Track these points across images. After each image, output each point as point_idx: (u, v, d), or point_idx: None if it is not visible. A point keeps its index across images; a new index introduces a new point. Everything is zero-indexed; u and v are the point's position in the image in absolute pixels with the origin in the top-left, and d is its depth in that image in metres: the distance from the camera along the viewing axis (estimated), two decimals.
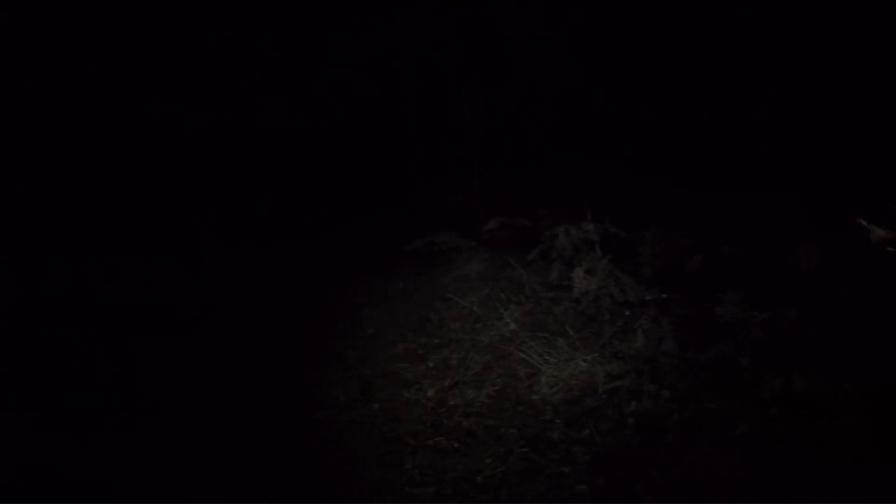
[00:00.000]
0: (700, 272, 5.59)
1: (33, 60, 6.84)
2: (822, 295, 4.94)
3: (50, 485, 3.84)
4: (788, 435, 4.10)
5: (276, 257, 8.15)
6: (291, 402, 5.38)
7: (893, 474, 3.63)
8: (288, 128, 8.86)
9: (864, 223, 2.74)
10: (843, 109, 7.83)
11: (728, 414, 4.37)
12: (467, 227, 8.17)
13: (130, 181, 7.31)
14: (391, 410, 5.21)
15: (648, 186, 8.87)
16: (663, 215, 6.74)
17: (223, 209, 7.76)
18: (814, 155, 7.46)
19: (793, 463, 3.88)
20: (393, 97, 10.27)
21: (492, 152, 10.01)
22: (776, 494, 3.69)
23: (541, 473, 4.28)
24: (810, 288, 5.12)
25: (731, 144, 8.88)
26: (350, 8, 8.64)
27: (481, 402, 5.12)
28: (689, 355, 4.97)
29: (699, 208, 7.87)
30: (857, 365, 4.29)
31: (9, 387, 4.65)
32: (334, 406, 5.36)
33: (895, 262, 4.18)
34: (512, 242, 7.42)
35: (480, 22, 8.68)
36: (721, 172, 8.58)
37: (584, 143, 10.45)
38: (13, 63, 6.61)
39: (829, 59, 8.03)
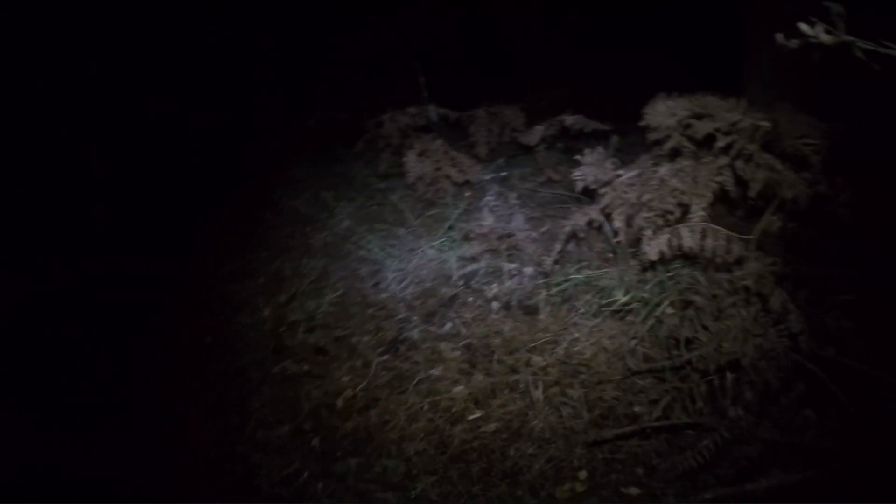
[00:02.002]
0: (539, 144, 5.01)
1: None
2: None
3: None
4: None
5: None
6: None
7: None
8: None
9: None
10: None
11: (601, 281, 3.88)
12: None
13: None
14: (226, 341, 4.41)
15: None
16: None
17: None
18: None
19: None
20: None
21: None
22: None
23: (409, 381, 3.67)
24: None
25: None
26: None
27: (325, 311, 4.37)
28: (543, 229, 4.44)
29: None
30: None
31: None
32: (162, 349, 4.52)
33: None
34: (340, 136, 6.52)
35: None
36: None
37: None
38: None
39: None
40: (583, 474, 3.00)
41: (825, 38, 2.39)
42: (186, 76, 7.35)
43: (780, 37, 3.02)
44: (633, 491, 2.90)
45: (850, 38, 2.41)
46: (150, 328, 4.75)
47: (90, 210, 6.15)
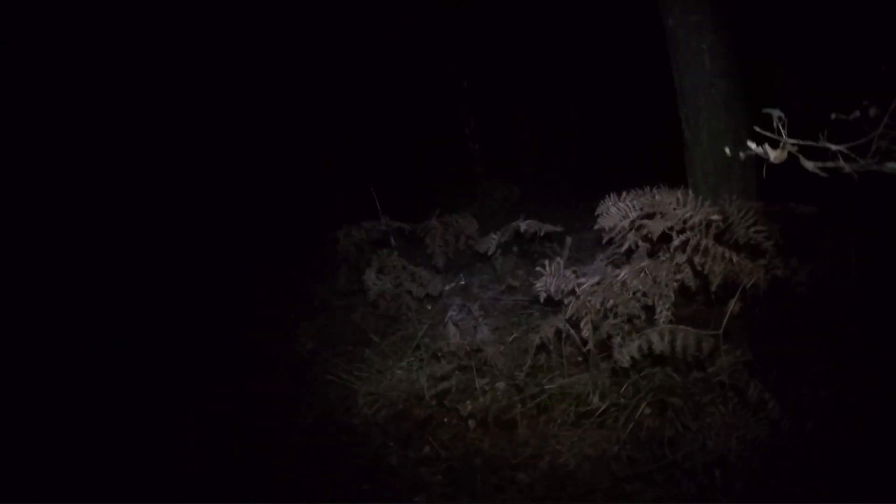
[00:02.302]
0: (495, 251, 5.06)
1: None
2: None
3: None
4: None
5: None
6: None
7: None
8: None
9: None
10: None
11: (575, 388, 3.85)
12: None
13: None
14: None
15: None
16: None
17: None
18: None
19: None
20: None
21: None
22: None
23: None
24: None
25: None
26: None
27: (296, 440, 4.22)
28: (510, 339, 4.42)
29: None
30: None
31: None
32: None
33: None
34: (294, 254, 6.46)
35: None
36: None
37: None
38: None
39: None
40: None
41: (774, 154, 2.49)
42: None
43: (727, 151, 3.16)
44: None
45: (793, 151, 2.51)
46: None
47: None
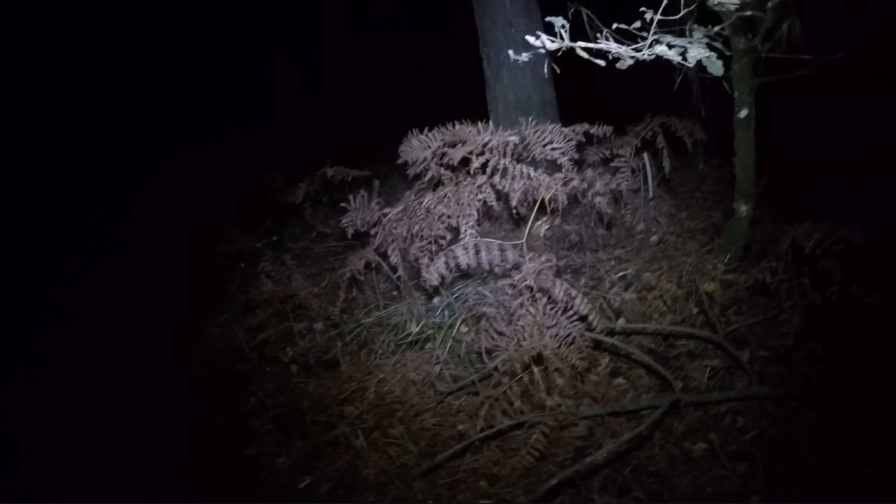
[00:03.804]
0: (304, 201, 4.87)
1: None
2: None
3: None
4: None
5: None
6: None
7: None
8: None
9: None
10: None
11: (392, 319, 3.79)
12: None
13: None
14: None
15: None
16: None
17: None
18: None
19: None
20: None
21: None
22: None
23: (229, 468, 3.33)
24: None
25: None
26: None
27: (118, 413, 3.82)
28: (324, 283, 4.28)
29: None
30: None
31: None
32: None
33: None
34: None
35: None
36: None
37: None
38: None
39: None
40: None
41: (550, 44, 2.51)
42: None
43: (511, 53, 3.17)
44: (485, 503, 2.81)
45: (571, 44, 2.56)
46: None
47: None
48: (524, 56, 2.84)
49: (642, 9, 2.49)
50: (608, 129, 3.58)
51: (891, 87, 4.38)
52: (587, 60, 2.57)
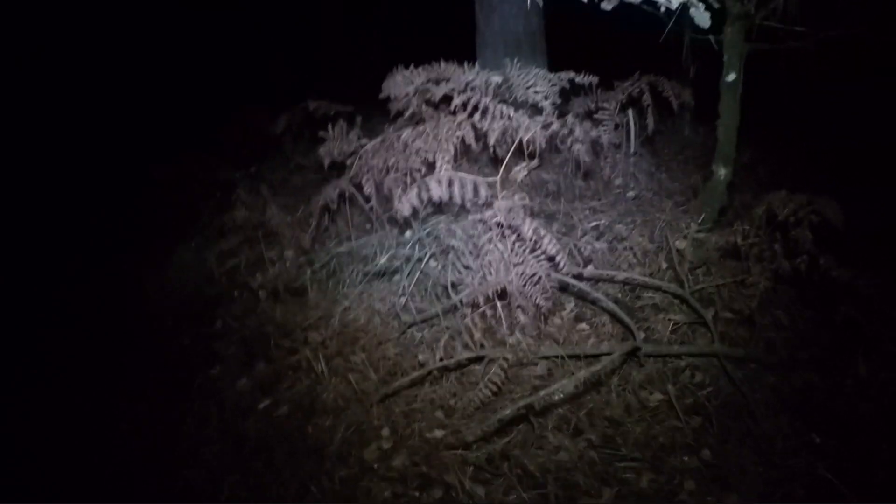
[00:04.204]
0: (286, 133, 4.79)
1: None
2: None
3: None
4: None
5: None
6: None
7: None
8: None
9: None
10: None
11: (363, 250, 3.76)
12: None
13: None
14: None
15: None
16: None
17: None
18: None
19: None
20: None
21: None
22: None
23: (188, 387, 3.35)
24: None
25: None
26: None
27: (83, 335, 3.86)
28: (298, 213, 4.21)
29: None
30: None
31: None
32: None
33: None
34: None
35: None
36: None
37: None
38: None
39: None
40: (385, 431, 2.86)
41: None
42: None
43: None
44: (438, 433, 2.81)
45: None
46: None
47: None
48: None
49: None
50: (594, 79, 3.53)
51: (885, 71, 4.36)
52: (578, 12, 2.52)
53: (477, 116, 3.34)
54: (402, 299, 3.39)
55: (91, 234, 4.74)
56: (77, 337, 3.82)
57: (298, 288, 3.70)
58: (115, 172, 5.32)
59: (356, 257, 3.72)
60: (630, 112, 4.27)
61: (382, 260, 3.57)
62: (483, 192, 3.13)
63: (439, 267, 3.31)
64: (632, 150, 4.37)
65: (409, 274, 3.44)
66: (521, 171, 3.40)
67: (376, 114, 4.34)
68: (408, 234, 3.63)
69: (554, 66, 3.96)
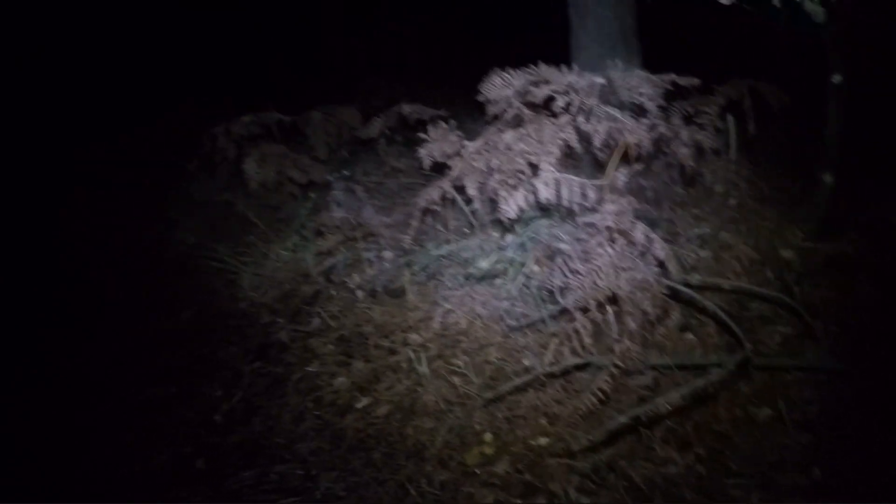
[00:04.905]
0: (379, 138, 4.79)
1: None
2: None
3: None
4: None
5: None
6: None
7: None
8: None
9: None
10: None
11: (463, 252, 3.70)
12: None
13: None
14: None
15: None
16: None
17: None
18: None
19: None
20: None
21: None
22: None
23: (287, 382, 3.30)
24: None
25: None
26: None
27: (180, 330, 3.84)
28: (396, 214, 4.19)
29: None
30: None
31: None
32: None
33: None
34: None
35: None
36: None
37: None
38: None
39: None
40: (488, 436, 2.78)
41: None
42: None
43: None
44: (543, 441, 2.72)
45: None
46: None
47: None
48: None
49: None
50: (695, 81, 3.42)
51: None
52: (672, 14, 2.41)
53: (581, 119, 3.26)
54: (506, 303, 3.31)
55: (185, 232, 4.82)
56: (171, 330, 3.85)
57: (397, 289, 3.66)
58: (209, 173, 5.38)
59: (456, 260, 3.67)
60: (729, 117, 4.13)
61: (484, 263, 3.50)
62: (591, 194, 3.04)
63: (544, 272, 3.22)
64: (732, 156, 4.21)
65: (512, 278, 3.36)
66: (621, 177, 3.30)
67: (467, 118, 4.31)
68: (509, 237, 3.56)
69: (648, 67, 3.89)
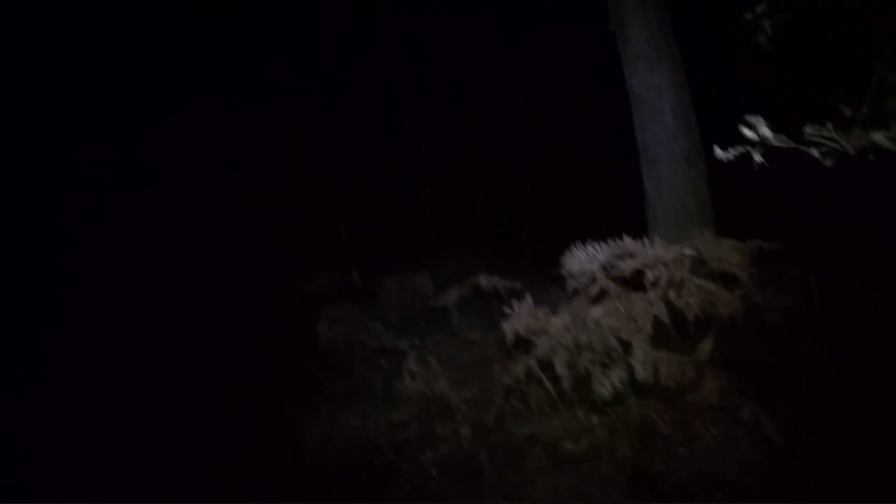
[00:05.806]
0: (455, 308, 4.71)
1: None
2: None
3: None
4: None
5: None
6: None
7: None
8: None
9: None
10: None
11: (547, 432, 3.43)
12: None
13: None
14: None
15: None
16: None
17: None
18: None
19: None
20: None
21: None
22: None
23: None
24: None
25: None
26: None
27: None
28: (473, 389, 3.98)
29: None
30: None
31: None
32: None
33: None
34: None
35: None
36: None
37: None
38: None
39: None
40: None
41: (770, 136, 2.31)
42: None
43: (717, 149, 2.96)
44: None
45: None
46: None
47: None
48: (730, 152, 2.58)
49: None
50: (779, 244, 3.31)
51: None
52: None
53: (672, 292, 3.13)
54: (596, 490, 2.99)
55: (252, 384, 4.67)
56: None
57: (475, 468, 3.39)
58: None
59: (540, 441, 3.39)
60: (813, 279, 3.98)
61: (569, 446, 3.22)
62: (689, 372, 2.84)
63: (641, 454, 2.94)
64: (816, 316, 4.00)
65: (602, 463, 3.06)
66: (707, 346, 3.12)
67: (544, 293, 4.21)
68: (594, 418, 3.29)
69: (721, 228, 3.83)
